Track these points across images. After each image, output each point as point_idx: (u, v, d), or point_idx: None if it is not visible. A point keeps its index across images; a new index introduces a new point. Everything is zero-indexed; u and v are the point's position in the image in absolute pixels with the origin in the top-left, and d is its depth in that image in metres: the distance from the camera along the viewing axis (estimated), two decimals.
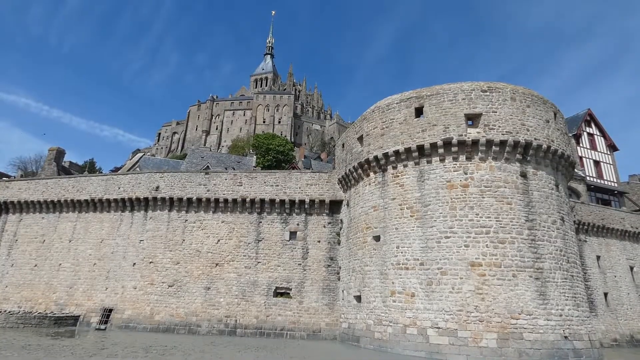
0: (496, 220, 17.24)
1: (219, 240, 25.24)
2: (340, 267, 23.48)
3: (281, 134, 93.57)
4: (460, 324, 15.94)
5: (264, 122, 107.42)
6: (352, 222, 22.22)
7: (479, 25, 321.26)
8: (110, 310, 24.29)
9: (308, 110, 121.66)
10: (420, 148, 19.11)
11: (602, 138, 43.13)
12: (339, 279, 23.34)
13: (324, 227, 24.99)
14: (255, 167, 45.41)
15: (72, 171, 43.22)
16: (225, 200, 25.74)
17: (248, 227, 25.40)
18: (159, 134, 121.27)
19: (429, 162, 19.03)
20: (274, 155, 62.97)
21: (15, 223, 29.35)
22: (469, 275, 16.52)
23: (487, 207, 17.48)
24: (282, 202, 25.39)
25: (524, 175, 18.27)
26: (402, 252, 18.30)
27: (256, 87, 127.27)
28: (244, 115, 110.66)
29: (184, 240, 25.50)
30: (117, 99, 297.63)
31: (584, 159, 40.49)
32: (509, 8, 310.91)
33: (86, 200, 27.88)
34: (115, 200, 27.29)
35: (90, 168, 63.40)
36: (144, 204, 26.82)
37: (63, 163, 43.17)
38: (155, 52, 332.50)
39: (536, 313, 15.87)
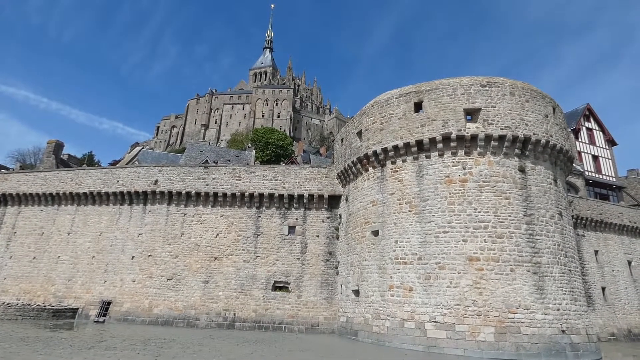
0: (494, 215, 17.26)
1: (217, 235, 25.27)
2: (338, 262, 23.54)
3: (280, 129, 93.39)
4: (458, 318, 16.01)
5: (263, 116, 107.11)
6: (351, 216, 22.24)
7: (480, 16, 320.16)
8: (109, 303, 24.35)
9: (307, 104, 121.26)
10: (419, 143, 19.08)
11: (601, 133, 43.12)
12: (337, 274, 23.40)
13: (323, 221, 25.02)
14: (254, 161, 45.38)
15: (70, 164, 43.08)
16: (224, 195, 25.73)
17: (247, 221, 25.42)
18: (158, 127, 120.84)
19: (427, 157, 19.02)
20: (273, 150, 63.04)
21: (13, 215, 29.33)
22: (467, 269, 16.57)
23: (485, 202, 17.49)
24: (281, 196, 25.40)
25: (522, 170, 18.27)
26: (400, 247, 18.34)
27: (255, 81, 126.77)
28: (243, 109, 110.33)
29: (182, 234, 25.52)
30: (117, 91, 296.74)
31: (582, 154, 40.49)
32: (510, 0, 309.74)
33: (85, 193, 27.85)
34: (114, 193, 27.27)
35: (89, 161, 63.25)
36: (143, 197, 26.81)
37: (62, 156, 43.03)
38: (154, 44, 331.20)
39: (534, 307, 15.93)
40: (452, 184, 18.09)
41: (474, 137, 18.26)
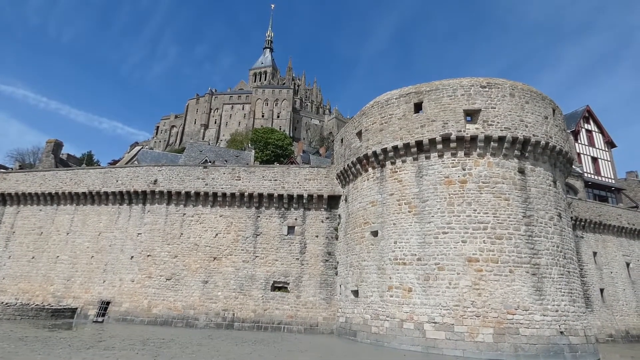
0: (494, 216, 17.27)
1: (217, 235, 25.26)
2: (337, 262, 23.54)
3: (280, 129, 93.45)
4: (457, 319, 16.02)
5: (262, 116, 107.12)
6: (350, 217, 22.24)
7: (480, 18, 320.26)
8: (108, 303, 24.33)
9: (307, 104, 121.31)
10: (419, 144, 19.09)
11: (600, 135, 43.21)
12: (336, 274, 23.40)
13: (322, 222, 25.02)
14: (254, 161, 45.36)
15: (69, 163, 43.07)
16: (224, 195, 25.72)
17: (246, 221, 25.41)
18: (158, 127, 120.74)
19: (427, 157, 19.03)
20: (273, 150, 63.11)
21: (12, 215, 29.29)
22: (466, 270, 16.58)
23: (484, 203, 17.50)
24: (281, 196, 25.40)
25: (521, 171, 18.29)
26: (399, 248, 18.34)
27: (255, 81, 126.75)
28: (243, 109, 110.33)
29: (182, 234, 25.50)
30: (116, 91, 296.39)
31: (581, 156, 40.57)
32: (510, 0, 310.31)
33: (84, 193, 27.83)
34: (113, 193, 27.24)
35: (88, 161, 63.17)
36: (142, 197, 26.79)
37: (61, 155, 43.01)
38: (154, 44, 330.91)
39: (532, 308, 15.95)
40: (452, 184, 18.11)
41: (473, 138, 18.27)
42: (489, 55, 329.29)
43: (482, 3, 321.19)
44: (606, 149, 42.97)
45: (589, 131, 42.63)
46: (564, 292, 16.94)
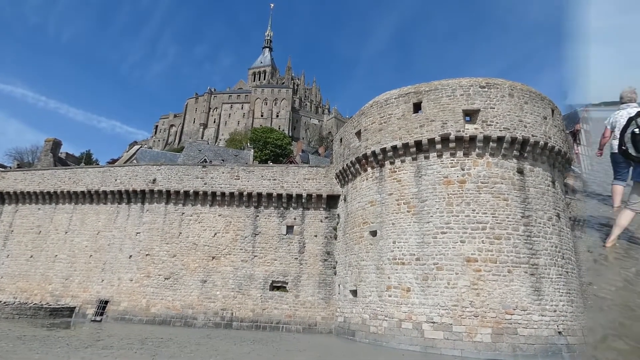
0: (492, 216, 17.27)
1: (215, 234, 25.24)
2: (336, 262, 23.53)
3: (279, 128, 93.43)
4: (455, 318, 16.02)
5: (261, 115, 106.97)
6: (349, 217, 22.24)
7: (480, 18, 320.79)
8: (106, 302, 24.31)
9: (306, 104, 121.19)
10: (418, 144, 19.08)
11: None
12: (335, 274, 23.39)
13: (321, 221, 25.01)
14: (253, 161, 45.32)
15: (68, 162, 43.00)
16: (223, 194, 25.70)
17: (245, 220, 25.40)
18: (156, 126, 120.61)
19: (426, 157, 19.02)
20: (272, 149, 63.16)
21: (11, 214, 29.25)
22: (465, 270, 16.58)
23: (483, 203, 17.50)
24: (280, 196, 25.38)
25: (520, 171, 18.29)
26: (398, 247, 18.34)
27: (254, 81, 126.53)
28: (242, 108, 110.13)
29: (180, 233, 25.48)
30: (115, 90, 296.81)
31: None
32: (510, 0, 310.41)
33: (82, 192, 27.78)
34: (112, 192, 27.20)
35: (86, 159, 63.11)
36: (141, 196, 26.76)
37: (59, 154, 42.97)
38: (154, 43, 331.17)
39: (531, 309, 15.95)
40: (451, 184, 18.11)
41: (472, 138, 18.26)
42: (489, 56, 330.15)
43: (482, 3, 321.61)
44: None
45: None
46: (562, 293, 16.94)
